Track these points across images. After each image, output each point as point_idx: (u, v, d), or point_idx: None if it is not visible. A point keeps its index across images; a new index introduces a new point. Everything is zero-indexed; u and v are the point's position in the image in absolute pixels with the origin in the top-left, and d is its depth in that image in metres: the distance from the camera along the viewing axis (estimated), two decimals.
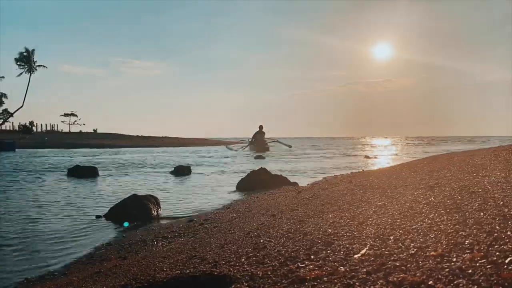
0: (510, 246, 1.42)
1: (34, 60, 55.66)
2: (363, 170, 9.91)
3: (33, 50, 55.47)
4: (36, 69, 55.90)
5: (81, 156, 20.84)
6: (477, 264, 1.33)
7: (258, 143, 27.07)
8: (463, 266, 1.33)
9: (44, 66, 56.72)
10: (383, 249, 1.69)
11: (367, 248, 1.74)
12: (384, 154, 23.44)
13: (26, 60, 55.37)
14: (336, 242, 1.93)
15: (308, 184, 7.39)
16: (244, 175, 8.80)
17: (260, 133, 27.61)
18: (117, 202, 5.73)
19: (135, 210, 5.28)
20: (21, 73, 55.45)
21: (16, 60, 55.26)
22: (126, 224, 4.56)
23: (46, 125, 70.23)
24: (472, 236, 1.62)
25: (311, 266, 1.64)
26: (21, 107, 56.45)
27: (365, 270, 1.49)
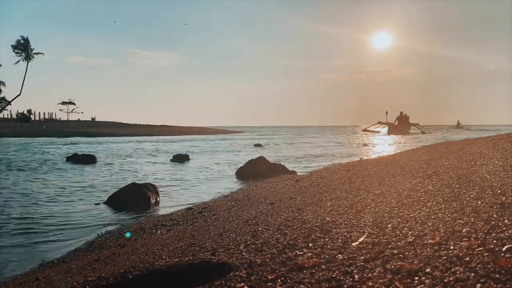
0: (507, 234, 1.42)
1: (32, 47, 55.16)
2: (361, 158, 9.92)
3: (27, 37, 54.93)
4: (33, 57, 55.39)
5: (79, 144, 20.80)
6: (475, 252, 1.33)
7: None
8: (461, 254, 1.34)
9: (41, 54, 56.24)
10: (381, 237, 1.69)
11: (365, 236, 1.75)
12: (382, 142, 23.45)
13: (23, 48, 54.85)
14: (334, 230, 1.94)
15: (306, 172, 7.40)
16: (242, 163, 8.80)
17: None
18: (116, 190, 5.74)
19: (133, 198, 5.29)
20: (18, 61, 54.99)
21: (13, 47, 54.73)
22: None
23: (44, 113, 69.98)
24: (470, 224, 1.63)
25: (309, 254, 1.65)
26: (19, 95, 56.16)
27: (363, 258, 1.50)
